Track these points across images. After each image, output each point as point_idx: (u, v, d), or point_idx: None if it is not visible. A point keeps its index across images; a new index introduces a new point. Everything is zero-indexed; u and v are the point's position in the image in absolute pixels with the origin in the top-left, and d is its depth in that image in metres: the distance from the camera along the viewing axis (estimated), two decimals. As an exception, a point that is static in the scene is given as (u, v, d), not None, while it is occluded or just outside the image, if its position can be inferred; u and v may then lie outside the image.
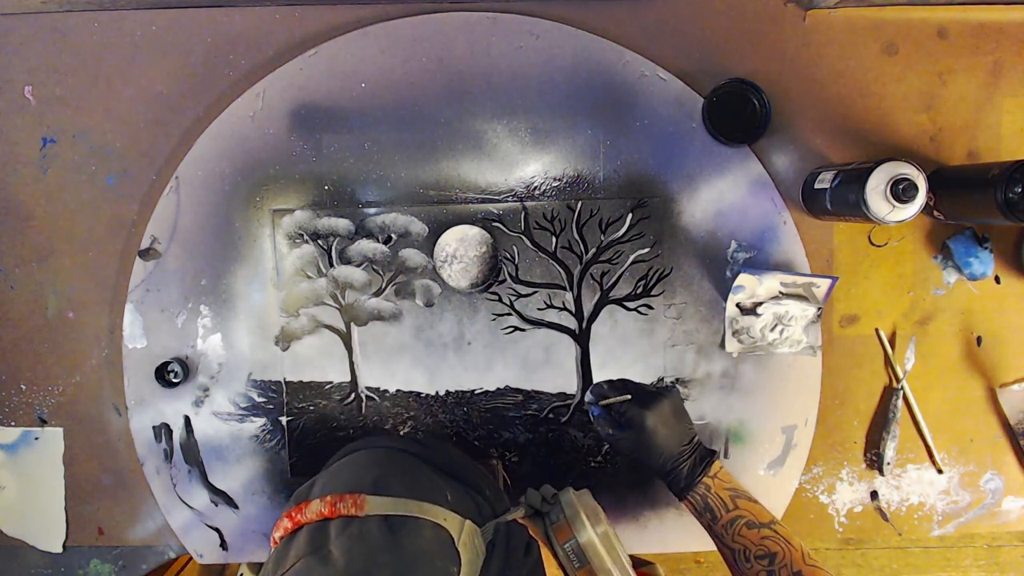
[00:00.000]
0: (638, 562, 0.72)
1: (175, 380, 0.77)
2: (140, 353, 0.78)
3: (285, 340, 0.78)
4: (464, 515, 0.51)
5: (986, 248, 0.76)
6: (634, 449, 0.66)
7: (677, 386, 0.78)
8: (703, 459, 0.65)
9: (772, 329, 0.76)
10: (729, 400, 0.78)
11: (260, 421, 0.79)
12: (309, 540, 0.48)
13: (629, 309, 0.77)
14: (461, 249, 0.78)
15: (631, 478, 0.79)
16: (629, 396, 0.67)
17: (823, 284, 0.75)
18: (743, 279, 0.74)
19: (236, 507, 0.80)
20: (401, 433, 0.79)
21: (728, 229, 0.77)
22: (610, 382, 0.71)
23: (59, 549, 0.80)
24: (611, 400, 0.68)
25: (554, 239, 0.77)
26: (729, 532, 0.63)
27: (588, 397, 0.71)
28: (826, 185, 0.70)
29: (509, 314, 0.77)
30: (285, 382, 0.78)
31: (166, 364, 0.77)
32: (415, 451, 0.59)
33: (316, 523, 0.49)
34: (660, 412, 0.66)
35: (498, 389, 0.79)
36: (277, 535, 0.51)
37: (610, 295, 0.77)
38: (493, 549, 0.51)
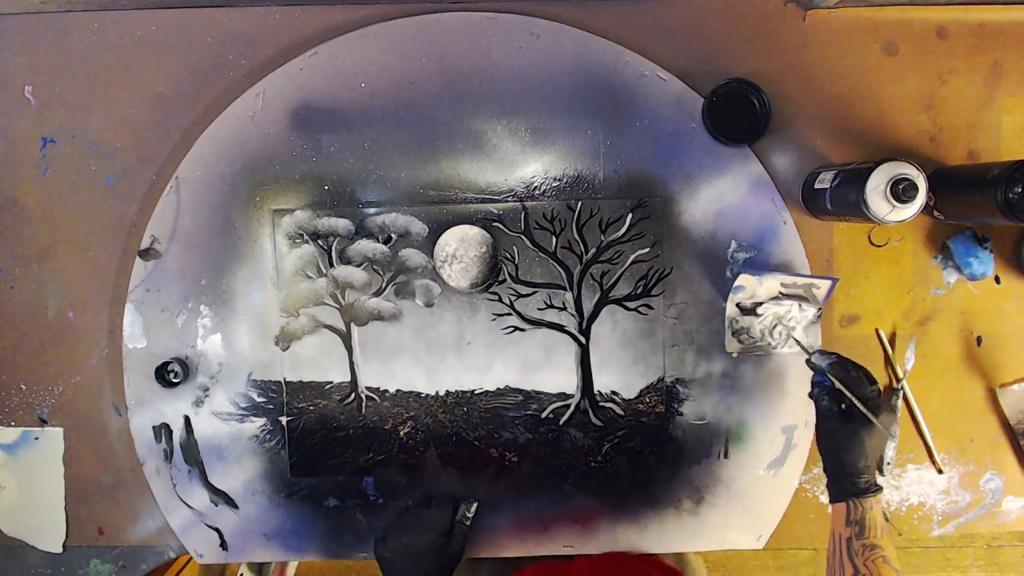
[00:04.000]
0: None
1: (175, 380, 0.77)
2: (140, 353, 0.78)
3: (285, 340, 0.78)
4: None
5: (986, 248, 0.76)
6: (847, 436, 0.64)
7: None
8: (877, 486, 0.65)
9: (772, 329, 0.76)
10: (729, 400, 0.78)
11: (260, 421, 0.79)
12: None
13: (629, 309, 0.77)
14: (461, 249, 0.78)
15: (631, 478, 0.79)
16: (864, 411, 0.64)
17: (823, 285, 0.75)
18: (743, 279, 0.74)
19: (236, 507, 0.80)
20: (401, 434, 0.79)
21: (728, 229, 0.77)
22: (859, 368, 0.66)
23: (59, 549, 0.80)
24: (850, 397, 0.64)
25: (554, 239, 0.77)
26: (866, 554, 0.62)
27: (822, 361, 0.67)
28: (826, 185, 0.70)
29: (509, 314, 0.77)
30: (285, 382, 0.78)
31: (166, 364, 0.77)
32: None
33: None
34: (893, 420, 0.71)
35: (498, 389, 0.79)
36: None
37: (610, 295, 0.77)
38: None
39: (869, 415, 0.64)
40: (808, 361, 0.68)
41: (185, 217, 0.76)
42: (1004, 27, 0.75)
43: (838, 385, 0.65)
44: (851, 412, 0.65)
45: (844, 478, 0.64)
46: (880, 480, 0.76)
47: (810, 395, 0.68)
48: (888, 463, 0.78)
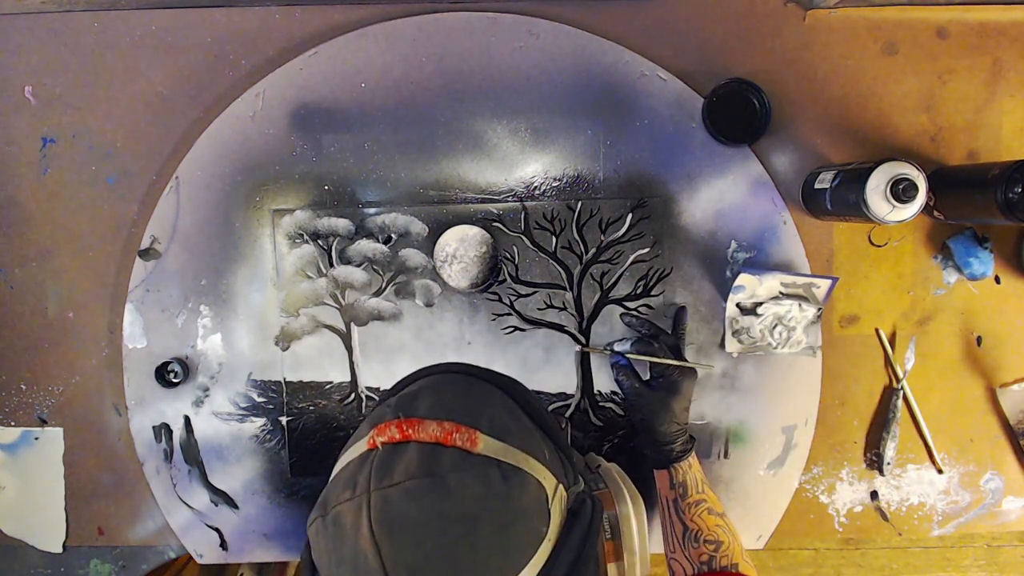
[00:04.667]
0: None
1: (175, 380, 0.77)
2: (140, 353, 0.78)
3: (285, 340, 0.78)
4: (556, 477, 0.48)
5: (986, 248, 0.76)
6: (655, 409, 0.70)
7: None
8: (691, 439, 0.72)
9: (772, 329, 0.76)
10: (729, 400, 0.78)
11: (260, 421, 0.79)
12: (422, 461, 0.43)
13: (629, 309, 0.77)
14: (461, 249, 0.78)
15: (631, 477, 0.79)
16: (675, 362, 0.71)
17: (823, 285, 0.75)
18: (743, 279, 0.74)
19: (236, 507, 0.80)
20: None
21: (728, 229, 0.77)
22: (653, 338, 0.73)
23: (59, 549, 0.80)
24: (660, 360, 0.71)
25: (554, 239, 0.77)
26: (692, 511, 0.68)
27: (623, 346, 0.74)
28: (826, 185, 0.70)
29: (509, 314, 0.77)
30: (285, 382, 0.78)
31: (166, 364, 0.77)
32: (519, 397, 0.55)
33: (428, 444, 0.45)
34: (692, 384, 0.72)
35: (498, 389, 0.78)
36: (380, 439, 0.46)
37: (610, 295, 0.77)
38: (574, 519, 0.48)
39: (681, 363, 0.71)
40: (610, 353, 0.75)
41: (185, 217, 0.76)
42: (1004, 27, 0.75)
43: (642, 358, 0.72)
44: (654, 384, 0.71)
45: (660, 448, 0.70)
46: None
47: (616, 380, 0.73)
48: (888, 463, 0.78)
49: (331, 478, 0.49)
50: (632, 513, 0.59)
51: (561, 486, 0.48)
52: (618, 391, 0.78)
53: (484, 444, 0.45)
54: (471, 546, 0.41)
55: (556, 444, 0.53)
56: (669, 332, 0.75)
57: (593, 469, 0.66)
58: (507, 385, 0.55)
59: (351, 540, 0.42)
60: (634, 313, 0.77)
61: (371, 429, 0.48)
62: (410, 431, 0.46)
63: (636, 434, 0.74)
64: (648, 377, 0.73)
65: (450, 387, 0.53)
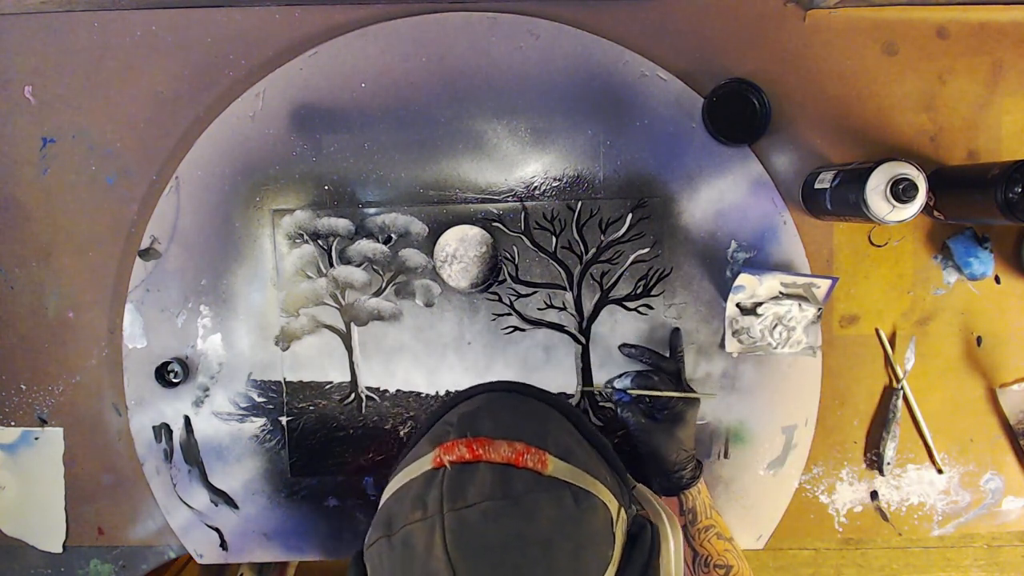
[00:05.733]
0: None
1: (175, 380, 0.77)
2: (140, 353, 0.78)
3: (285, 340, 0.78)
4: (617, 499, 0.48)
5: (986, 248, 0.76)
6: (661, 440, 0.70)
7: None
8: (699, 465, 0.72)
9: (772, 329, 0.76)
10: (729, 400, 0.78)
11: (260, 421, 0.79)
12: (496, 482, 0.43)
13: (629, 309, 0.77)
14: (461, 249, 0.78)
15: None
16: (679, 394, 0.72)
17: (823, 284, 0.75)
18: (743, 279, 0.74)
19: (236, 507, 0.80)
20: (401, 434, 0.79)
21: (728, 229, 0.77)
22: (653, 369, 0.75)
23: (59, 549, 0.80)
24: (663, 393, 0.72)
25: (554, 239, 0.77)
26: (701, 536, 0.68)
27: (624, 382, 0.75)
28: (826, 185, 0.70)
29: (509, 314, 0.77)
30: (285, 382, 0.78)
31: (166, 364, 0.77)
32: (573, 418, 0.54)
33: (499, 465, 0.44)
34: (696, 410, 0.73)
35: (498, 389, 0.78)
36: (448, 458, 0.45)
37: (610, 295, 0.77)
38: (634, 543, 0.48)
39: (686, 395, 0.72)
40: (608, 393, 0.77)
41: (185, 217, 0.76)
42: (1004, 27, 0.75)
43: (645, 393, 0.73)
44: (659, 416, 0.73)
45: (670, 476, 0.70)
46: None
47: (621, 418, 0.74)
48: (888, 463, 0.78)
49: (389, 495, 0.48)
50: (671, 535, 0.58)
51: (622, 509, 0.48)
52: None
53: (554, 466, 0.45)
54: (547, 569, 0.41)
55: (612, 466, 0.52)
56: (668, 356, 0.76)
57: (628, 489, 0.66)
58: (561, 405, 0.54)
59: (422, 561, 0.41)
60: (633, 344, 0.77)
61: (434, 447, 0.47)
62: (480, 451, 0.45)
63: (642, 460, 0.74)
64: (648, 403, 0.74)
65: (509, 406, 0.52)
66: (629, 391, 0.74)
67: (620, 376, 0.77)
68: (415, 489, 0.45)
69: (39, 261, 0.77)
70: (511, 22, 0.74)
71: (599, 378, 0.78)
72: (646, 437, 0.71)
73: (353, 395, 0.78)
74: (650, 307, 0.77)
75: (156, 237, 0.76)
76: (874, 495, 0.80)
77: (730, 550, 0.68)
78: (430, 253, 0.77)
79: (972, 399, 0.79)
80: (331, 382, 0.78)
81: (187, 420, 0.78)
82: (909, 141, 0.76)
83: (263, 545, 0.80)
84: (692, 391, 0.74)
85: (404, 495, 0.45)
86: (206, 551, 0.80)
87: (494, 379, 0.68)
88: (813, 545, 0.93)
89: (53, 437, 0.79)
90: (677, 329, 0.77)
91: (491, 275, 0.78)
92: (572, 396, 0.78)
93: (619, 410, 0.74)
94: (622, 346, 0.77)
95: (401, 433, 0.79)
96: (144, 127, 0.76)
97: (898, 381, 0.78)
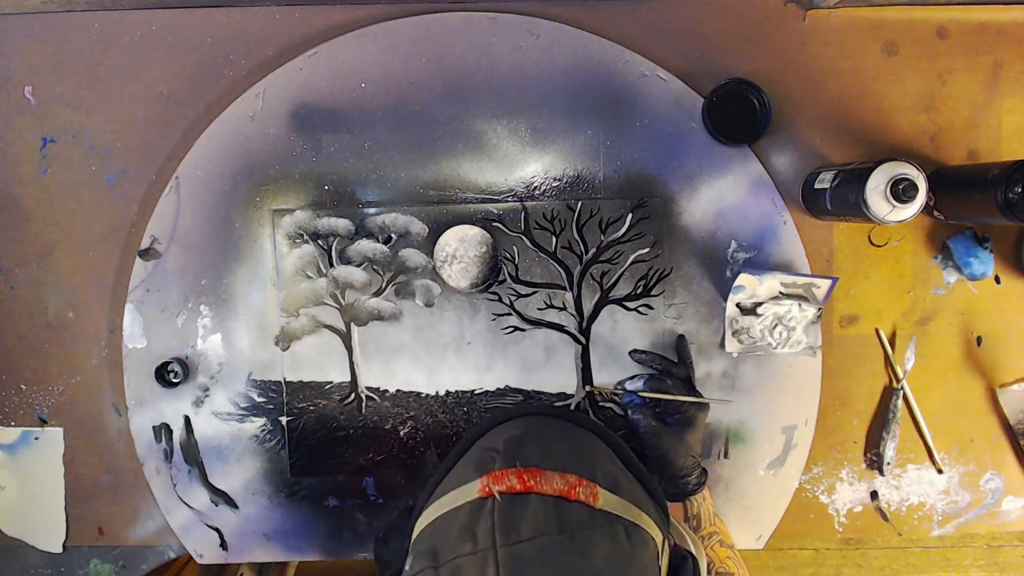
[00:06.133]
0: None
1: (175, 380, 0.77)
2: (140, 353, 0.78)
3: (285, 340, 0.78)
4: (661, 531, 0.47)
5: (986, 248, 0.76)
6: (671, 444, 0.70)
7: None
8: (704, 472, 0.73)
9: (772, 329, 0.76)
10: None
11: (260, 421, 0.79)
12: (550, 516, 0.42)
13: (629, 309, 0.77)
14: (461, 249, 0.78)
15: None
16: (693, 399, 0.72)
17: (823, 284, 0.75)
18: (743, 279, 0.74)
19: (236, 507, 0.80)
20: (401, 434, 0.79)
21: (728, 229, 0.77)
22: (665, 373, 0.75)
23: (59, 549, 0.80)
24: (678, 397, 0.72)
25: (554, 239, 0.77)
26: (705, 543, 0.68)
27: (635, 384, 0.76)
28: (826, 185, 0.70)
29: (509, 314, 0.77)
30: (285, 382, 0.78)
31: (166, 364, 0.77)
32: (615, 446, 0.53)
33: (551, 498, 0.43)
34: (706, 416, 0.74)
35: (498, 389, 0.79)
36: (497, 488, 0.44)
37: (610, 295, 0.77)
38: (676, 574, 0.47)
39: (700, 400, 0.73)
40: (619, 396, 0.77)
41: (185, 217, 0.76)
42: (1004, 27, 0.75)
43: (658, 397, 0.73)
44: (669, 420, 0.73)
45: (677, 481, 0.71)
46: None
47: (630, 421, 0.74)
48: (888, 463, 0.78)
49: (428, 522, 0.46)
50: (703, 564, 0.58)
51: (666, 541, 0.48)
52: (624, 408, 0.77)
53: (604, 499, 0.44)
54: None
55: (653, 496, 0.51)
56: (678, 362, 0.76)
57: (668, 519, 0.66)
58: (604, 433, 0.53)
59: None
60: (643, 350, 0.77)
61: (479, 474, 0.45)
62: (531, 482, 0.44)
63: (648, 465, 0.73)
64: (658, 407, 0.75)
65: (554, 434, 0.51)
66: (641, 393, 0.74)
67: (632, 378, 0.77)
68: (462, 519, 0.43)
69: (39, 261, 0.77)
70: (511, 22, 0.74)
71: (599, 378, 0.78)
72: (656, 440, 0.71)
73: (353, 395, 0.78)
74: (650, 307, 0.77)
75: (156, 237, 0.76)
76: (874, 495, 0.80)
77: (732, 557, 0.68)
78: (430, 253, 0.77)
79: (972, 399, 0.79)
80: (331, 382, 0.78)
81: (187, 420, 0.78)
82: (909, 141, 0.76)
83: (263, 545, 0.80)
84: (703, 397, 0.74)
85: (449, 524, 0.44)
86: (206, 551, 0.80)
87: (532, 401, 0.70)
88: (813, 545, 0.93)
89: (53, 437, 0.79)
90: (682, 336, 0.77)
91: (491, 275, 0.78)
92: (572, 396, 0.78)
93: (630, 412, 0.74)
94: (632, 352, 0.77)
95: (401, 433, 0.79)
96: (144, 127, 0.76)
97: (898, 381, 0.78)
